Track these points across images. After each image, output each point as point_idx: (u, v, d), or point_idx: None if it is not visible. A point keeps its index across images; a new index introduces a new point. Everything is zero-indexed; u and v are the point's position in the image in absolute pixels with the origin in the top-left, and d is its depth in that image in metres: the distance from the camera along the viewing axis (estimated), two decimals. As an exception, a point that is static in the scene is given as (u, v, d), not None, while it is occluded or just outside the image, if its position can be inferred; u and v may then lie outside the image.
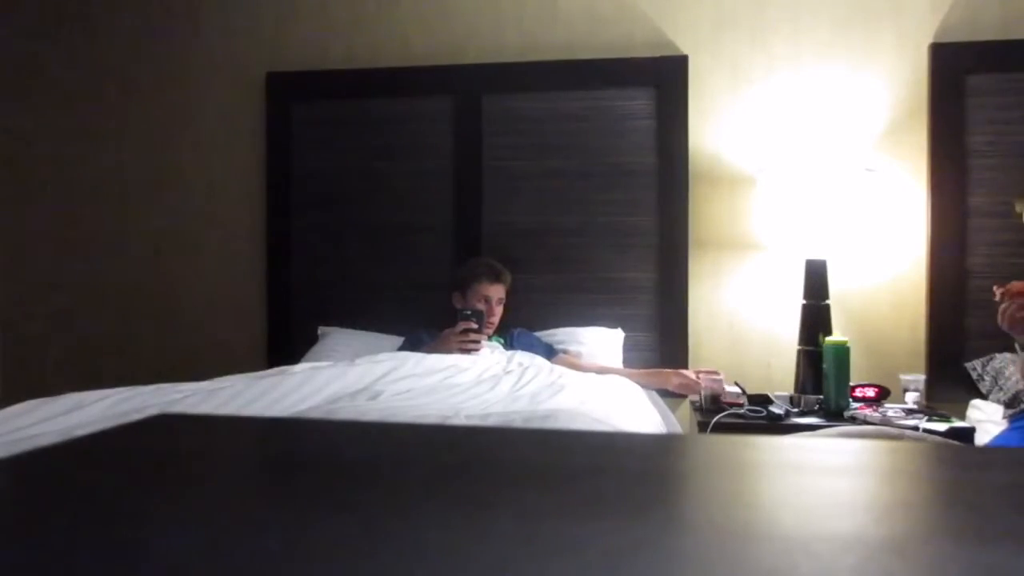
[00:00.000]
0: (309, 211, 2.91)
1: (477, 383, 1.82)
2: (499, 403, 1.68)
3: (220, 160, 3.00)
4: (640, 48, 2.75)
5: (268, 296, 2.93)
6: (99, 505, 0.33)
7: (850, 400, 2.29)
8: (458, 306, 2.49)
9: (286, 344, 2.85)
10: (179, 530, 0.29)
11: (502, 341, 2.51)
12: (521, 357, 2.29)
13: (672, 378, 2.39)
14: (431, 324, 2.49)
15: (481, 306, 2.46)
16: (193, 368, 2.56)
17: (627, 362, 2.61)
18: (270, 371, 1.89)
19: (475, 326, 2.31)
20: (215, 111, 3.00)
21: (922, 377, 2.35)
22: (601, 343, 2.59)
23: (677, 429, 2.29)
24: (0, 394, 2.98)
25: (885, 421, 2.14)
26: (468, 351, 2.28)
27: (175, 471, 0.41)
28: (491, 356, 2.30)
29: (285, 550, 0.27)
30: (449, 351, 2.27)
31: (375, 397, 1.67)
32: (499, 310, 2.52)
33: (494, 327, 2.50)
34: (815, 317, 2.41)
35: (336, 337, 2.68)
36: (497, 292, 2.52)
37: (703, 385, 2.30)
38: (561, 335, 2.62)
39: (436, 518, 0.31)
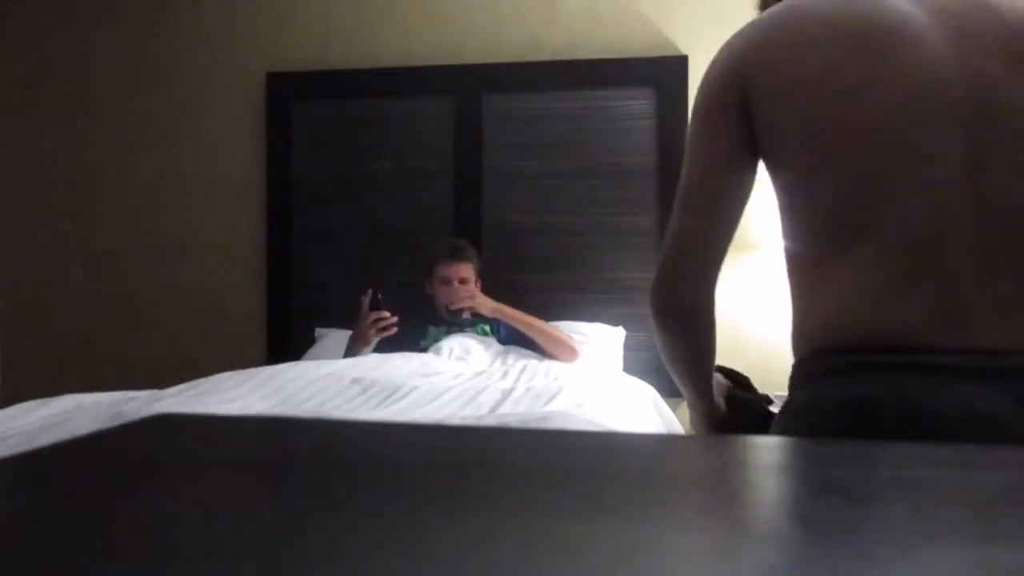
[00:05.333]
0: (309, 211, 2.91)
1: (473, 386, 1.81)
2: (495, 406, 1.67)
3: (220, 160, 3.00)
4: (639, 48, 2.75)
5: (268, 296, 2.93)
6: (99, 505, 0.33)
7: (850, 400, 2.28)
8: (428, 292, 2.44)
9: (286, 345, 2.85)
10: (179, 530, 0.29)
11: (488, 329, 2.45)
12: (515, 356, 2.28)
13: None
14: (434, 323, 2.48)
15: (441, 289, 2.37)
16: (193, 368, 2.56)
17: (627, 361, 2.61)
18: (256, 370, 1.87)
19: (386, 314, 2.21)
20: (215, 111, 3.00)
21: (922, 377, 2.34)
22: (602, 339, 2.58)
23: (678, 429, 2.29)
24: (0, 394, 2.98)
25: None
26: (390, 333, 2.22)
27: (175, 471, 0.41)
28: (485, 354, 2.28)
29: (285, 550, 0.27)
30: (369, 342, 2.21)
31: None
32: (467, 289, 2.38)
33: (464, 307, 2.37)
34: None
35: (335, 338, 2.68)
36: (457, 272, 2.38)
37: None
38: (563, 328, 2.60)
39: (436, 518, 0.31)
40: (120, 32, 3.07)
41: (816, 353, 0.87)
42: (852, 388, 0.81)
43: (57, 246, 3.09)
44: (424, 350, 2.31)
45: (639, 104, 2.74)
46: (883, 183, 0.83)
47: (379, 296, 2.25)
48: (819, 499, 0.37)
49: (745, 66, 0.92)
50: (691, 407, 1.09)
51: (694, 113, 0.97)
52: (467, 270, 2.40)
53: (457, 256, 2.40)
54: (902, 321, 0.80)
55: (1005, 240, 0.80)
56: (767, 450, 0.49)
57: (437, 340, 2.37)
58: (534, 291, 2.74)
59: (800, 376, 0.90)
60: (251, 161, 2.97)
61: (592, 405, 1.66)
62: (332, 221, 2.90)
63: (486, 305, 2.37)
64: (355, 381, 1.78)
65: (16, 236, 3.12)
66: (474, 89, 2.82)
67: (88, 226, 3.07)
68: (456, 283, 2.37)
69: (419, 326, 2.43)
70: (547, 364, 2.21)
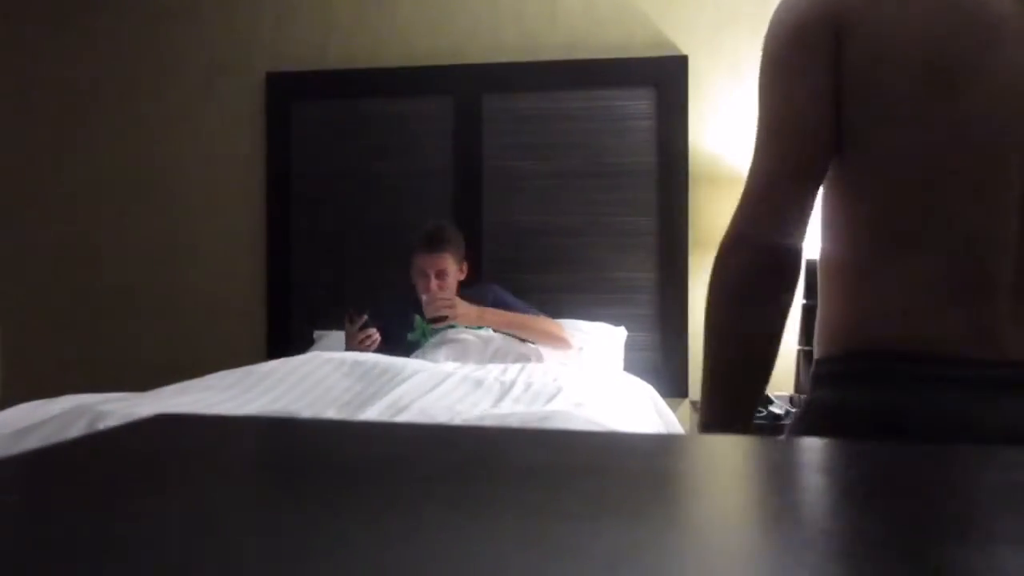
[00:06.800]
0: (309, 211, 2.91)
1: (472, 374, 1.81)
2: (496, 400, 1.67)
3: (220, 160, 3.00)
4: (640, 48, 2.75)
5: (268, 296, 2.93)
6: (99, 505, 0.33)
7: (850, 400, 2.28)
8: (413, 282, 2.36)
9: (285, 345, 2.85)
10: (179, 530, 0.29)
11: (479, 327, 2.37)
12: (513, 357, 2.26)
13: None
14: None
15: (420, 283, 2.27)
16: (193, 368, 2.55)
17: (628, 361, 2.61)
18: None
19: (371, 330, 2.21)
20: (215, 111, 3.00)
21: (922, 377, 2.34)
22: (603, 339, 2.57)
23: (677, 429, 2.29)
24: (0, 394, 2.98)
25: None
26: (376, 343, 2.20)
27: (175, 471, 0.41)
28: (483, 353, 2.27)
29: (285, 550, 0.27)
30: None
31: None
32: (447, 284, 2.24)
33: (444, 299, 2.18)
34: (815, 317, 2.41)
35: (334, 339, 2.67)
36: (433, 264, 2.22)
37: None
38: (566, 326, 2.58)
39: (436, 518, 0.31)
40: (120, 32, 3.06)
41: (845, 354, 0.85)
42: (883, 394, 0.79)
43: (57, 245, 3.09)
44: (414, 343, 2.31)
45: (639, 104, 2.74)
46: (943, 192, 0.79)
47: (356, 316, 2.25)
48: (821, 498, 0.37)
49: (842, 13, 0.81)
50: (705, 423, 0.90)
51: (772, 61, 0.86)
52: (444, 261, 2.25)
53: (432, 247, 2.24)
54: (940, 332, 0.78)
55: None
56: (769, 450, 0.49)
57: (425, 333, 2.35)
58: (535, 291, 2.74)
59: (825, 375, 0.87)
60: (251, 161, 2.96)
61: (592, 405, 1.65)
62: (332, 221, 2.89)
63: (468, 316, 2.21)
64: (356, 364, 1.78)
65: (16, 236, 3.11)
66: (474, 89, 2.81)
67: (88, 226, 3.07)
68: (432, 276, 2.24)
69: (405, 320, 2.39)
70: (546, 364, 2.21)
